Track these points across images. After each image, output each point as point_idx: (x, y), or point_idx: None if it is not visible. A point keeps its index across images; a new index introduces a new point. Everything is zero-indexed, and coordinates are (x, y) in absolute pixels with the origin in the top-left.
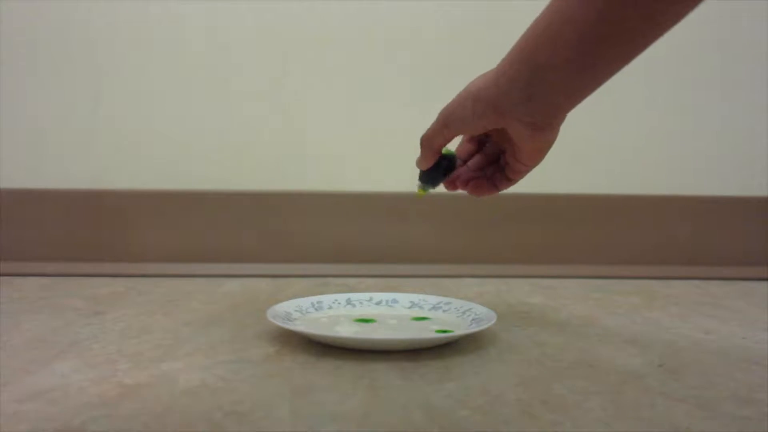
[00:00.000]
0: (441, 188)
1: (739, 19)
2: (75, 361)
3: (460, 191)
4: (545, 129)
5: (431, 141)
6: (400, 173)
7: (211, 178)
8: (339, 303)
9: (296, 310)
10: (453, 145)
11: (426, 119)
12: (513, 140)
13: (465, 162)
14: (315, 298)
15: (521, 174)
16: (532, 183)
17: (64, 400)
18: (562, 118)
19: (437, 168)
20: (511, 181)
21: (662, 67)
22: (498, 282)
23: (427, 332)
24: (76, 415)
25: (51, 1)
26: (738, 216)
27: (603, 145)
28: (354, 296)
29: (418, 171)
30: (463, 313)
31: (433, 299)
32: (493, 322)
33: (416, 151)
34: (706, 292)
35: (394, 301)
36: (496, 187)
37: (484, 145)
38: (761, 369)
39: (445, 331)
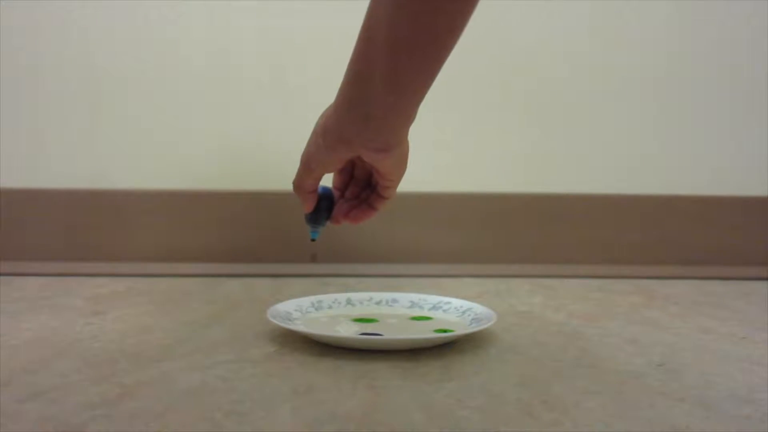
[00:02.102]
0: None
1: (739, 19)
2: (75, 361)
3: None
4: (391, 149)
5: (302, 185)
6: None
7: (211, 178)
8: (339, 303)
9: (296, 310)
10: (327, 181)
11: (426, 119)
12: (369, 163)
13: (342, 193)
14: (315, 298)
15: (391, 189)
16: (532, 183)
17: (64, 400)
18: (405, 135)
19: (319, 209)
20: (385, 199)
21: (662, 67)
22: (498, 282)
23: (427, 332)
24: (76, 415)
25: (51, 1)
26: (738, 216)
27: (603, 145)
28: (354, 296)
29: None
30: (463, 313)
31: (433, 299)
32: (493, 322)
33: (416, 151)
34: (706, 292)
35: (394, 301)
36: (373, 208)
37: (353, 171)
38: (761, 369)
39: (445, 331)
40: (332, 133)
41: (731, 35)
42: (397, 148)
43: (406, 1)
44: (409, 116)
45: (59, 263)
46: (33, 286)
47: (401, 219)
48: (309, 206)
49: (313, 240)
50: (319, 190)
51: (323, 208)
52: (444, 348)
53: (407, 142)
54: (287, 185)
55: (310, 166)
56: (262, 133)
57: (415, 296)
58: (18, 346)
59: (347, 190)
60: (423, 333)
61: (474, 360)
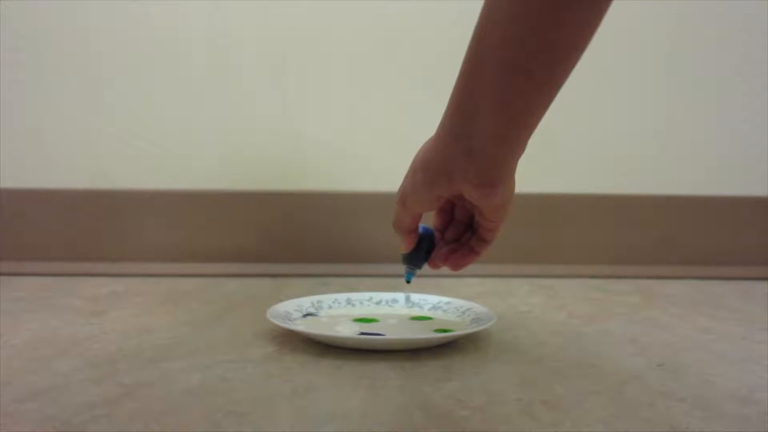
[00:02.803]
0: (426, 269)
1: (738, 18)
2: (75, 361)
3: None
4: (497, 186)
5: (400, 224)
6: (400, 173)
7: (212, 178)
8: (339, 303)
9: (296, 310)
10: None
11: (427, 119)
12: (470, 202)
13: (442, 235)
14: (315, 298)
15: (494, 232)
16: (532, 183)
17: (64, 400)
18: (512, 170)
19: (419, 249)
20: (487, 242)
21: (662, 67)
22: (498, 282)
23: (427, 332)
24: (76, 415)
25: (51, 1)
26: (738, 216)
27: (603, 145)
28: (354, 296)
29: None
30: (463, 313)
31: (433, 299)
32: (493, 322)
33: (416, 151)
34: (706, 292)
35: (394, 301)
36: (475, 252)
37: (453, 211)
38: (761, 369)
39: (445, 331)
40: (431, 168)
41: (731, 34)
42: (502, 185)
43: (522, 15)
44: (518, 149)
45: (59, 263)
46: (33, 286)
47: None
48: (407, 246)
49: (407, 282)
50: (420, 229)
51: (423, 248)
52: (444, 348)
53: (514, 179)
54: (287, 185)
55: (405, 203)
56: (263, 133)
57: (415, 296)
58: (18, 346)
59: (447, 231)
60: (423, 333)
61: (474, 360)
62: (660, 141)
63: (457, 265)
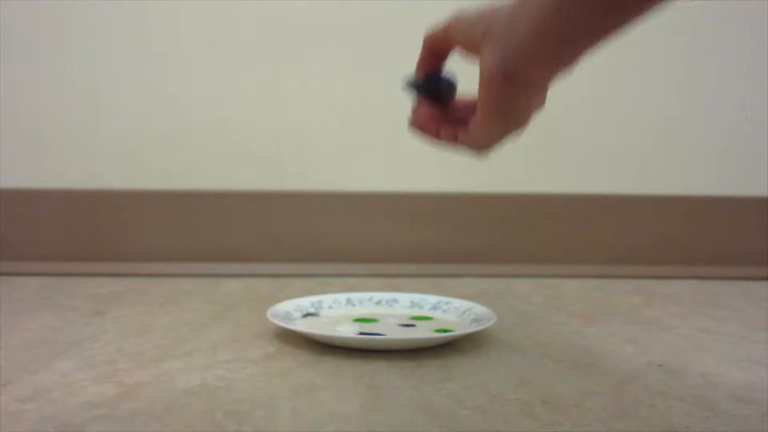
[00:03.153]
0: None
1: (738, 18)
2: (75, 360)
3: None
4: (508, 77)
5: (428, 37)
6: (400, 173)
7: (211, 178)
8: (339, 303)
9: (296, 310)
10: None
11: None
12: (480, 73)
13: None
14: (315, 298)
15: (469, 141)
16: (532, 183)
17: (64, 400)
18: (533, 78)
19: (435, 85)
20: (467, 133)
21: (662, 66)
22: (498, 282)
23: (427, 332)
24: (76, 415)
25: (51, 1)
26: (738, 216)
27: (603, 145)
28: (354, 296)
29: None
30: (463, 313)
31: (433, 299)
32: (493, 322)
33: (416, 151)
34: (706, 292)
35: (394, 301)
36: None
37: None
38: (761, 369)
39: (445, 331)
40: (486, 15)
41: (731, 34)
42: (513, 82)
43: None
44: (553, 59)
45: (59, 263)
46: (33, 286)
47: (401, 219)
48: (420, 65)
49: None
50: (445, 77)
51: (438, 89)
52: (444, 348)
53: (521, 101)
54: (287, 185)
55: (449, 21)
56: (263, 133)
57: (415, 296)
58: (18, 346)
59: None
60: (423, 333)
61: (474, 360)
62: (660, 141)
63: (423, 128)
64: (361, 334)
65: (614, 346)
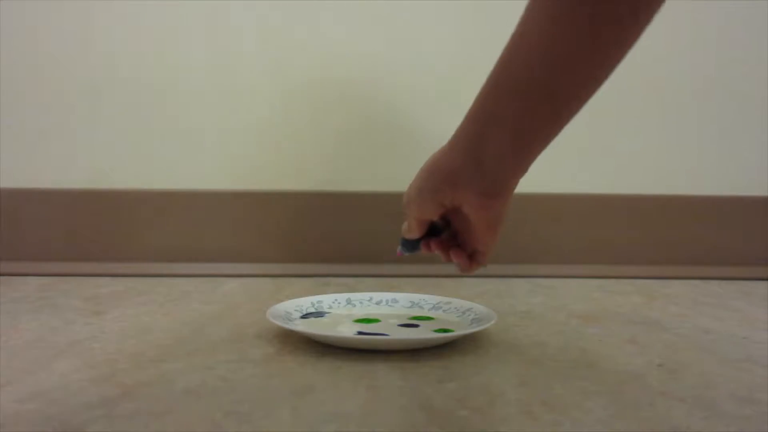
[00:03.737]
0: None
1: (738, 18)
2: (75, 361)
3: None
4: (497, 198)
5: (409, 229)
6: (400, 173)
7: (212, 178)
8: (339, 303)
9: (296, 310)
10: None
11: (425, 118)
12: (466, 217)
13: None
14: (315, 298)
15: (485, 255)
16: (532, 183)
17: (64, 400)
18: (513, 188)
19: (431, 230)
20: (478, 264)
21: (662, 66)
22: (498, 282)
23: (427, 332)
24: (76, 415)
25: (51, 1)
26: (738, 216)
27: (603, 145)
28: (354, 296)
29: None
30: (463, 313)
31: (433, 299)
32: (493, 322)
33: (418, 150)
34: (706, 292)
35: (394, 301)
36: (469, 260)
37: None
38: (761, 369)
39: (445, 331)
40: (438, 174)
41: (731, 34)
42: (501, 199)
43: (553, 41)
44: (524, 167)
45: (59, 263)
46: (33, 286)
47: (401, 219)
48: (414, 236)
49: (398, 254)
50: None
51: (423, 236)
52: (444, 348)
53: (508, 205)
54: (287, 185)
55: (408, 205)
56: (263, 133)
57: (415, 296)
58: (18, 346)
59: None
60: (423, 333)
61: (474, 360)
62: (660, 141)
63: (450, 256)
64: (361, 333)
65: (614, 346)
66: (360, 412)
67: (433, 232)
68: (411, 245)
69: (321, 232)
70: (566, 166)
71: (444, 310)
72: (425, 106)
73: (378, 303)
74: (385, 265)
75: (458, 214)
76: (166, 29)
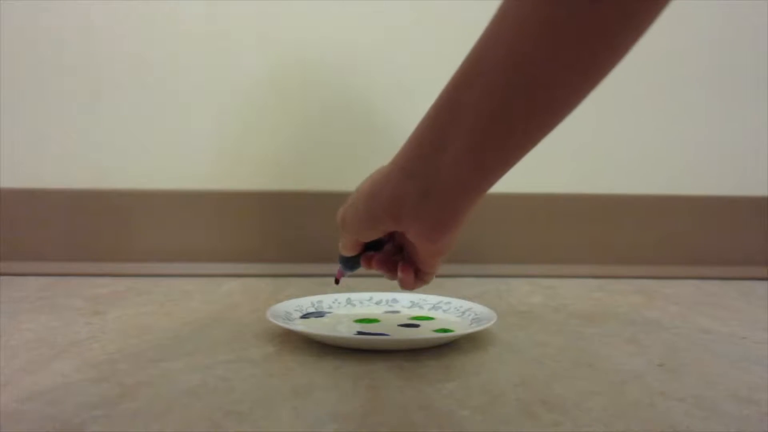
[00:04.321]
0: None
1: (738, 18)
2: (75, 361)
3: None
4: (447, 233)
5: (344, 241)
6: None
7: (211, 178)
8: (339, 303)
9: (296, 310)
10: None
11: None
12: (411, 242)
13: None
14: (315, 298)
15: (429, 275)
16: (532, 183)
17: (64, 400)
18: (463, 219)
19: (371, 245)
20: (424, 282)
21: (662, 66)
22: (498, 282)
23: (427, 332)
24: (76, 415)
25: (51, 1)
26: (738, 216)
27: (603, 145)
28: (354, 296)
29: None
30: (463, 313)
31: (433, 299)
32: (493, 322)
33: None
34: (706, 292)
35: (394, 300)
36: (414, 277)
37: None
38: (761, 369)
39: (445, 331)
40: (378, 200)
41: (731, 34)
42: (451, 232)
43: (516, 63)
44: (479, 197)
45: (59, 263)
46: (33, 286)
47: None
48: (351, 251)
49: (336, 283)
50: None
51: (366, 249)
52: (444, 348)
53: (458, 233)
54: (287, 185)
55: (344, 228)
56: (262, 133)
57: (415, 296)
58: (18, 346)
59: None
60: (423, 333)
61: (474, 360)
62: (660, 141)
63: (395, 272)
64: (361, 333)
65: (614, 346)
66: (360, 412)
67: (374, 245)
68: (350, 263)
69: (321, 232)
70: (566, 166)
71: (444, 310)
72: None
73: (378, 303)
74: None
75: (402, 235)
76: (167, 29)
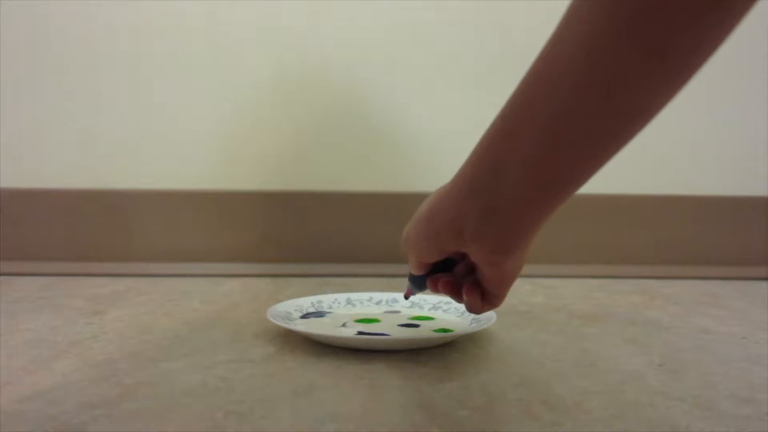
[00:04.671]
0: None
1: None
2: (75, 361)
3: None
4: (511, 254)
5: (411, 266)
6: (401, 173)
7: (211, 178)
8: (339, 303)
9: (296, 310)
10: None
11: (431, 118)
12: (477, 264)
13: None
14: (315, 298)
15: (498, 299)
16: None
17: (64, 400)
18: (530, 240)
19: (430, 271)
20: (493, 306)
21: None
22: None
23: (427, 332)
24: (76, 415)
25: (51, 1)
26: (738, 216)
27: None
28: (354, 296)
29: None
30: (463, 312)
31: (433, 299)
32: (493, 322)
33: (420, 150)
34: (706, 292)
35: (394, 300)
36: (483, 300)
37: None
38: (761, 369)
39: (445, 331)
40: (439, 221)
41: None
42: (516, 255)
43: (592, 70)
44: (546, 216)
45: (59, 263)
46: (33, 286)
47: (401, 219)
48: (420, 272)
49: (405, 298)
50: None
51: (435, 270)
52: (444, 348)
53: (525, 257)
54: (287, 185)
55: (407, 250)
56: (262, 133)
57: (415, 296)
58: (18, 346)
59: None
60: (423, 333)
61: (474, 360)
62: (660, 141)
63: (461, 295)
64: (361, 333)
65: (614, 346)
66: (360, 412)
67: (443, 266)
68: (418, 282)
69: (321, 232)
70: None
71: (444, 310)
72: (429, 106)
73: (378, 303)
74: (385, 265)
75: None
76: (167, 30)
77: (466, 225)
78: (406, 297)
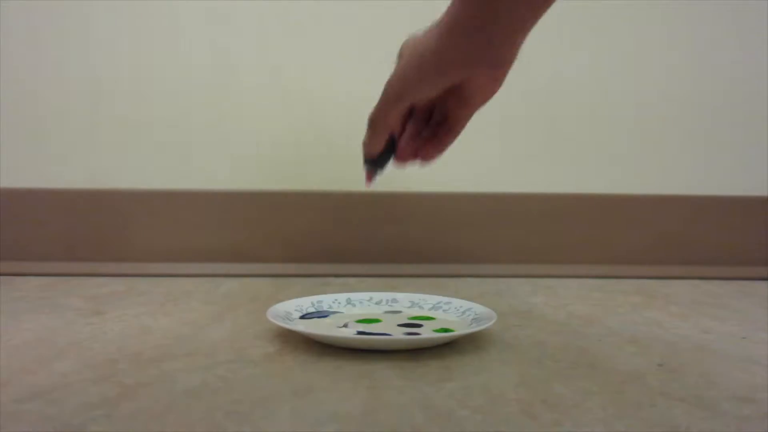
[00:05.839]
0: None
1: (738, 16)
2: (75, 361)
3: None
4: (506, 64)
5: (385, 119)
6: (401, 173)
7: (211, 178)
8: (339, 303)
9: (296, 310)
10: None
11: None
12: (466, 88)
13: (399, 135)
14: (315, 298)
15: (466, 120)
16: (532, 183)
17: (64, 400)
18: (520, 46)
19: (386, 150)
20: (456, 133)
21: (661, 66)
22: (498, 282)
23: (427, 332)
24: (76, 415)
25: (52, 2)
26: (738, 216)
27: (602, 145)
28: (354, 296)
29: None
30: (463, 313)
31: (433, 299)
32: (493, 322)
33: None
34: (706, 292)
35: (394, 301)
36: (444, 144)
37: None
38: (761, 369)
39: (445, 331)
40: (445, 56)
41: (731, 34)
42: (509, 65)
43: None
44: (530, 28)
45: (59, 263)
46: (33, 286)
47: (401, 219)
48: (380, 146)
49: (369, 181)
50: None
51: (387, 149)
52: (444, 348)
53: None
54: (287, 185)
55: (401, 95)
56: (262, 133)
57: (415, 296)
58: (18, 346)
59: (405, 131)
60: (423, 333)
61: (474, 360)
62: (659, 141)
63: (428, 157)
64: (361, 333)
65: (614, 346)
66: (360, 412)
67: (390, 145)
68: (380, 161)
69: (321, 232)
70: (566, 166)
71: (444, 310)
72: None
73: (378, 303)
74: (385, 265)
75: (448, 95)
76: (167, 30)
77: (474, 52)
78: (369, 180)
